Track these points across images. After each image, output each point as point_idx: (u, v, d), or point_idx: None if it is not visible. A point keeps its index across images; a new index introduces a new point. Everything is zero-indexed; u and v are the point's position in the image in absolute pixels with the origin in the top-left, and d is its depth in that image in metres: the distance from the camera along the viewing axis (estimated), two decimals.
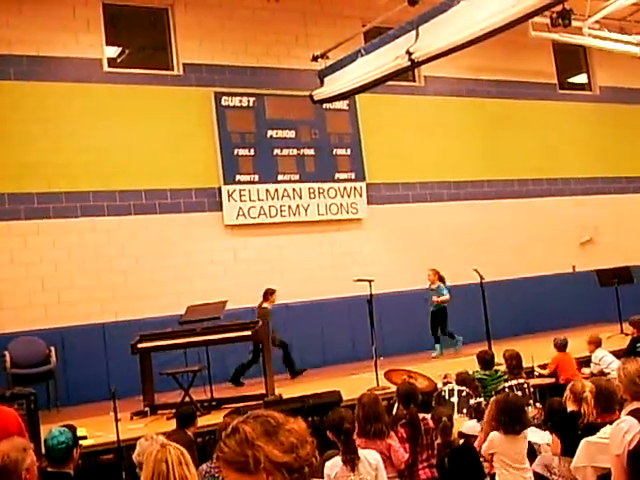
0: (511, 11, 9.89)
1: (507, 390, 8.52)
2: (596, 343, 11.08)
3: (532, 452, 6.89)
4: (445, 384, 8.94)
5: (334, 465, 5.64)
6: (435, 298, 14.56)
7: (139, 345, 10.70)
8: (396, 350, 14.22)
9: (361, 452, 5.71)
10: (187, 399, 10.18)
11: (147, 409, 10.48)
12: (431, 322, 14.77)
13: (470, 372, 9.37)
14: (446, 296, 14.54)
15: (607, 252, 18.14)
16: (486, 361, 9.51)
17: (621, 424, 4.72)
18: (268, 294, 13.24)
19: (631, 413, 4.73)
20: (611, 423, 5.00)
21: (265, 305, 13.03)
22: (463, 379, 8.78)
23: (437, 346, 14.71)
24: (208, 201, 14.80)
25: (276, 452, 2.46)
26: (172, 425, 8.31)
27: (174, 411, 9.24)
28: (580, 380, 6.88)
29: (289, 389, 10.73)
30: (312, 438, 2.57)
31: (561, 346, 10.91)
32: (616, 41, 16.84)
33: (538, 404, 8.88)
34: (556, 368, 10.68)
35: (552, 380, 9.98)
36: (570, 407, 6.59)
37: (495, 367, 9.67)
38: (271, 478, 2.46)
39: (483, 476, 6.75)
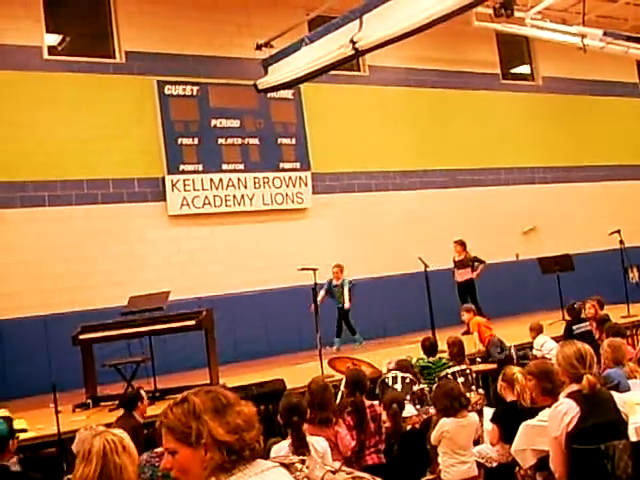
0: (453, 0, 9.97)
1: (449, 376, 8.58)
2: (537, 330, 11.19)
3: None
4: (389, 371, 8.94)
5: (280, 449, 5.63)
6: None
7: (81, 336, 10.54)
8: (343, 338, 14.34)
9: (309, 439, 5.70)
10: (130, 390, 10.06)
11: (89, 401, 10.34)
12: (338, 318, 14.38)
13: (414, 360, 9.42)
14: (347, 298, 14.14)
15: (549, 240, 18.38)
16: (429, 348, 9.53)
17: (559, 406, 4.77)
18: None
19: (569, 395, 4.78)
20: (550, 406, 5.04)
21: None
22: (402, 365, 8.79)
23: (337, 340, 14.29)
24: (151, 191, 14.64)
25: (220, 430, 2.44)
26: (114, 417, 8.21)
27: (117, 403, 9.12)
28: (508, 366, 6.91)
29: (234, 379, 10.67)
30: (259, 425, 2.55)
31: (474, 311, 12.26)
32: (558, 32, 17.05)
33: (480, 390, 8.95)
34: (479, 330, 11.64)
35: (494, 366, 10.08)
36: (509, 397, 6.54)
37: (439, 354, 9.72)
38: (209, 454, 2.43)
39: (429, 461, 6.79)
